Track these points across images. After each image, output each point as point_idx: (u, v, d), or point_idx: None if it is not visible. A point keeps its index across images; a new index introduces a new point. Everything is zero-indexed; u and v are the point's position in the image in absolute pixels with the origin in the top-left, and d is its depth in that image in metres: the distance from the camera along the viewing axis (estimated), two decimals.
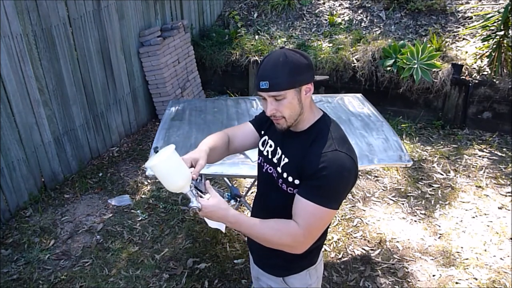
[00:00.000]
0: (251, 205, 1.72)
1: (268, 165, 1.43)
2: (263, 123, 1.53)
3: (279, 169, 1.36)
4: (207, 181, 1.33)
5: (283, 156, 1.35)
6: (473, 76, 4.32)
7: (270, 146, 1.44)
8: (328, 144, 1.26)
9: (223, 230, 1.42)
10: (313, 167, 1.22)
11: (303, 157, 1.27)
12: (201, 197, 1.27)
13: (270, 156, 1.43)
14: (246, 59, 5.07)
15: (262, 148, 1.49)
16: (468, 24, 4.74)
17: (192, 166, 1.34)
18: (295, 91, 1.25)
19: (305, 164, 1.26)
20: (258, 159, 1.50)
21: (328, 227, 1.44)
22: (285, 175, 1.33)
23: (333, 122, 1.36)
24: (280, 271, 1.47)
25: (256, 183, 1.81)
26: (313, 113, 1.35)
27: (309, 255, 1.45)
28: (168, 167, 1.24)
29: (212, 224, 1.38)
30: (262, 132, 1.53)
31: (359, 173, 3.68)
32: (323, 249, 2.84)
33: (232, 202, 2.94)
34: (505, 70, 4.22)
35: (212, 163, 1.58)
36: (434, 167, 3.80)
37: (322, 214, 1.24)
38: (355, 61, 4.67)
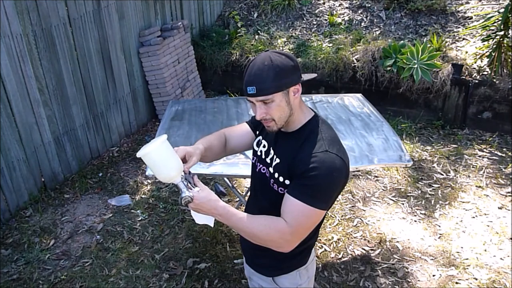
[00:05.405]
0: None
1: (261, 165, 1.44)
2: (258, 124, 1.54)
3: (271, 169, 1.37)
4: (195, 176, 1.34)
5: (275, 157, 1.37)
6: (473, 76, 4.32)
7: (264, 146, 1.45)
8: (319, 145, 1.27)
9: (212, 225, 1.42)
10: (303, 167, 1.23)
11: (293, 157, 1.28)
12: (191, 189, 1.28)
13: (263, 156, 1.44)
14: (246, 59, 5.07)
15: (256, 148, 1.50)
16: (468, 24, 4.74)
17: (184, 158, 1.35)
18: (282, 93, 1.25)
19: (296, 164, 1.27)
20: (252, 158, 1.51)
21: (319, 228, 1.45)
22: (276, 175, 1.34)
23: (324, 122, 1.37)
24: (270, 270, 1.48)
25: None
26: (304, 113, 1.35)
27: (299, 255, 1.45)
28: (160, 156, 1.25)
29: (200, 220, 1.38)
30: (257, 133, 1.54)
31: (359, 173, 3.69)
32: (319, 250, 2.85)
33: None
34: (505, 70, 4.22)
35: (208, 162, 1.58)
36: (434, 167, 3.80)
37: (310, 213, 1.24)
38: (355, 61, 4.66)
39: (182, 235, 3.05)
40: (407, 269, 2.73)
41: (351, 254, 2.87)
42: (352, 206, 3.34)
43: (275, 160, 1.36)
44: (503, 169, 3.73)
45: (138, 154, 1.26)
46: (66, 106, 3.59)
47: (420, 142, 4.23)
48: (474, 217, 3.17)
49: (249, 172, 2.41)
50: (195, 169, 2.11)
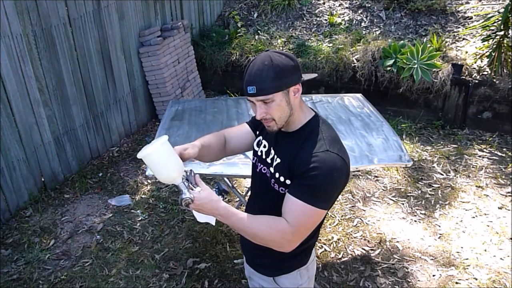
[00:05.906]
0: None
1: (262, 165, 1.44)
2: (258, 124, 1.54)
3: (272, 169, 1.37)
4: (197, 175, 1.34)
5: (275, 157, 1.37)
6: (473, 76, 4.32)
7: (264, 146, 1.45)
8: (319, 144, 1.27)
9: (213, 223, 1.42)
10: (304, 167, 1.23)
11: (294, 157, 1.28)
12: (192, 189, 1.28)
13: (264, 156, 1.44)
14: (246, 59, 5.07)
15: (256, 148, 1.50)
16: (468, 24, 4.74)
17: (182, 156, 1.35)
18: (283, 93, 1.25)
19: (296, 163, 1.27)
20: (253, 159, 1.51)
21: (319, 228, 1.45)
22: (277, 175, 1.34)
23: (324, 122, 1.37)
24: (271, 270, 1.48)
25: None
26: (304, 113, 1.36)
27: (299, 255, 1.45)
28: (161, 157, 1.25)
29: (201, 218, 1.38)
30: (257, 133, 1.54)
31: (359, 173, 3.69)
32: (319, 250, 2.85)
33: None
34: (505, 70, 4.22)
35: (207, 162, 1.58)
36: (434, 167, 3.80)
37: (311, 213, 1.25)
38: (355, 61, 4.66)
39: (182, 235, 3.05)
40: (407, 269, 2.73)
41: (351, 254, 2.87)
42: (352, 206, 3.34)
43: (275, 160, 1.36)
44: (503, 169, 3.73)
45: (139, 155, 1.26)
46: (66, 106, 3.59)
47: (420, 142, 4.23)
48: (474, 217, 3.17)
49: (249, 172, 2.41)
50: (195, 170, 2.11)
